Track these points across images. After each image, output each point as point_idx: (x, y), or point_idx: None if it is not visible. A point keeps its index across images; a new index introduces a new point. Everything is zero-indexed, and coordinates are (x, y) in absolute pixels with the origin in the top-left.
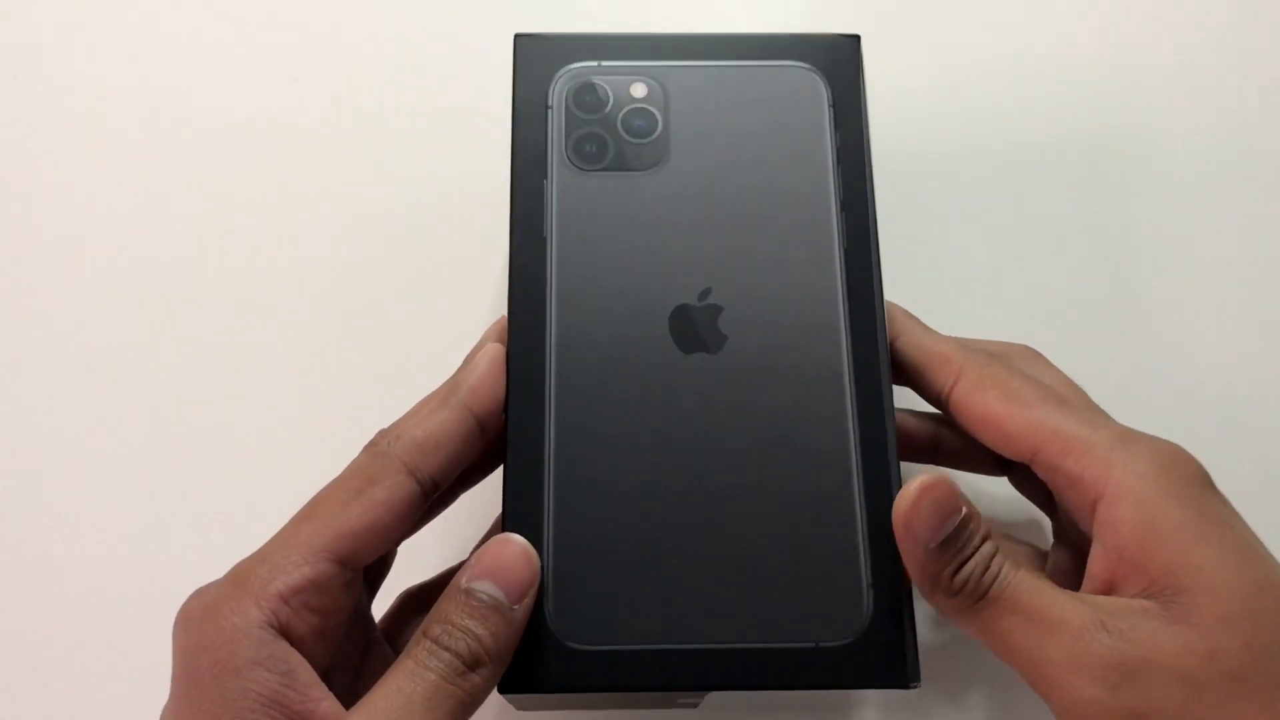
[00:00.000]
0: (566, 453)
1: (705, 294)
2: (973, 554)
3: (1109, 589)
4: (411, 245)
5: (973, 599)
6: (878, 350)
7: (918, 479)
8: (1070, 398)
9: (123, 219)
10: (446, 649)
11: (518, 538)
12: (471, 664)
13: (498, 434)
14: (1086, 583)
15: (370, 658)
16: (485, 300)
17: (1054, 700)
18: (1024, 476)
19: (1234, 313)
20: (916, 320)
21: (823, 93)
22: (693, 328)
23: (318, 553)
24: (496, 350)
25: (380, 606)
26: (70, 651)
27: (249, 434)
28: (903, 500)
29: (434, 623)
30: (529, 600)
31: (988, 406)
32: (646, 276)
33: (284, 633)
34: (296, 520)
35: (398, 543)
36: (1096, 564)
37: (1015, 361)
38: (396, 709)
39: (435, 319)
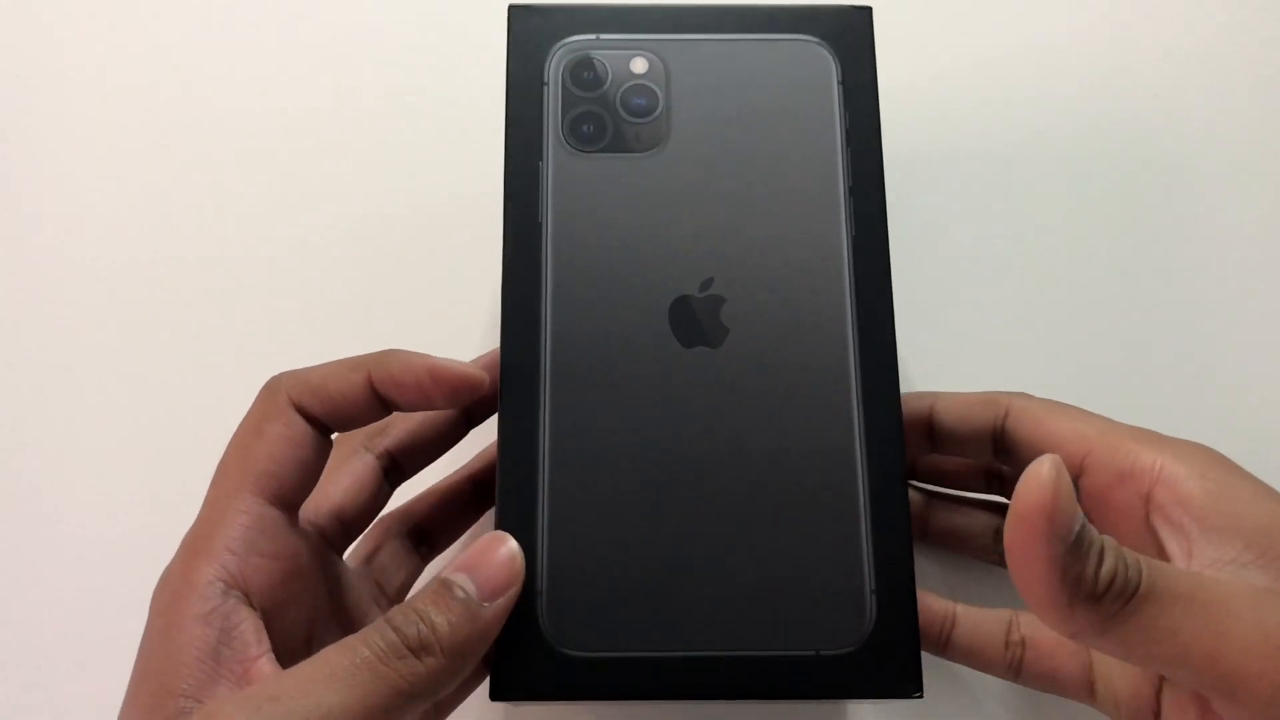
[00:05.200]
0: (561, 450)
1: (707, 284)
2: (1103, 543)
3: (1192, 558)
4: (411, 240)
5: (1123, 599)
6: (886, 344)
7: (1043, 461)
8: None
9: (124, 217)
10: (395, 629)
11: (509, 538)
12: (416, 649)
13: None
14: (1177, 561)
15: None
16: (486, 293)
17: (1247, 692)
18: None
19: (1243, 310)
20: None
21: (832, 69)
22: (694, 320)
23: (244, 497)
24: (449, 368)
25: None
26: (70, 649)
27: None
28: (1038, 485)
29: (400, 606)
30: (504, 602)
31: (1040, 422)
32: (646, 265)
33: (241, 586)
34: (215, 478)
35: (313, 474)
36: (1174, 544)
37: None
38: (315, 677)
39: (435, 313)
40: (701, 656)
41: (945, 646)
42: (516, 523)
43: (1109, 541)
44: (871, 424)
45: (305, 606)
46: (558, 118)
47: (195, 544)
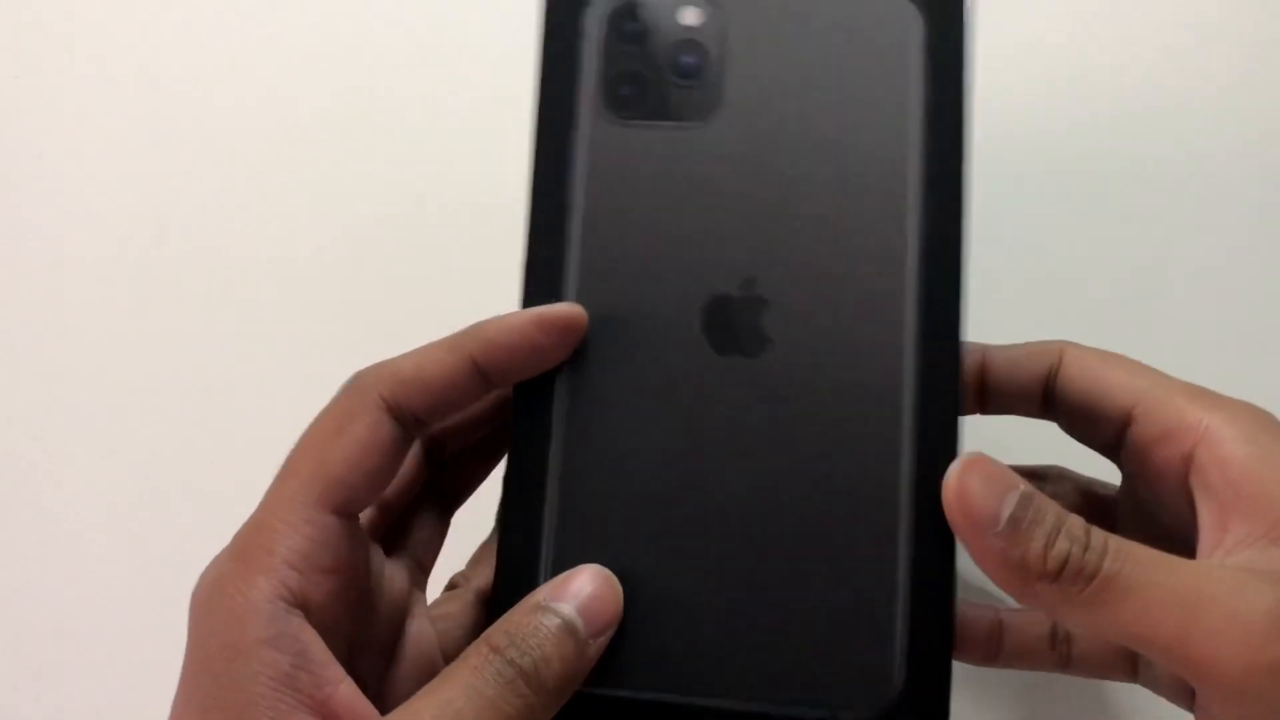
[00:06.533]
0: (572, 465)
1: (749, 283)
2: (1058, 527)
3: (1226, 530)
4: (425, 239)
5: (1082, 580)
6: (949, 370)
7: (958, 458)
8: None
9: (127, 218)
10: (510, 661)
11: (608, 571)
12: (532, 683)
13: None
14: (1203, 534)
15: (409, 640)
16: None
17: (1216, 677)
18: None
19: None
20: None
21: (917, 30)
22: (729, 324)
23: (313, 506)
24: (555, 311)
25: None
26: (76, 647)
27: (260, 431)
28: (950, 482)
29: (501, 633)
30: (604, 640)
31: (1092, 372)
32: (682, 258)
33: (301, 604)
34: (282, 476)
35: (387, 483)
36: (1207, 511)
37: None
38: None
39: (453, 313)
40: (702, 706)
41: (996, 657)
42: (519, 544)
43: (1071, 522)
44: (922, 468)
45: (354, 616)
46: (594, 77)
47: (252, 553)
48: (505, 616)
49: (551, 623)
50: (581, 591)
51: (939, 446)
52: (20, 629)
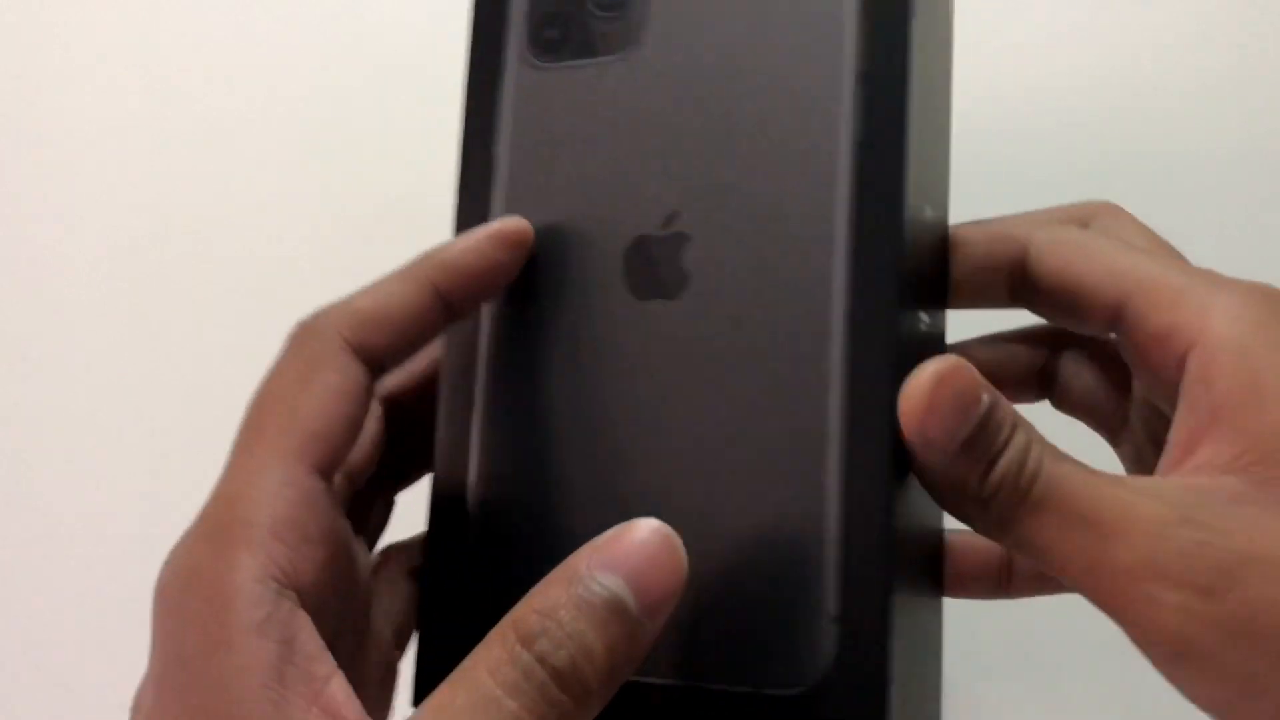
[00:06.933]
0: (495, 428)
1: (671, 219)
2: (1004, 448)
3: (1192, 454)
4: (428, 239)
5: (1011, 505)
6: (888, 298)
7: (929, 366)
8: (1158, 251)
9: (126, 220)
10: (539, 657)
11: (671, 532)
12: (571, 687)
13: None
14: (1167, 452)
15: (374, 621)
16: None
17: (1126, 614)
18: (1070, 390)
19: None
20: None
21: None
22: (651, 265)
23: (291, 466)
24: (505, 224)
25: None
26: (69, 649)
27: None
28: (914, 395)
29: (531, 613)
30: (660, 621)
31: (1064, 265)
32: (606, 200)
33: (291, 582)
34: (246, 437)
35: (357, 437)
36: (1181, 428)
37: (1094, 223)
38: None
39: None
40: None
41: (1009, 586)
42: (447, 509)
43: (1020, 436)
44: (855, 405)
45: (338, 596)
46: (522, 25)
47: (229, 528)
48: (536, 590)
49: (594, 599)
50: (633, 556)
51: (877, 377)
52: (19, 628)
